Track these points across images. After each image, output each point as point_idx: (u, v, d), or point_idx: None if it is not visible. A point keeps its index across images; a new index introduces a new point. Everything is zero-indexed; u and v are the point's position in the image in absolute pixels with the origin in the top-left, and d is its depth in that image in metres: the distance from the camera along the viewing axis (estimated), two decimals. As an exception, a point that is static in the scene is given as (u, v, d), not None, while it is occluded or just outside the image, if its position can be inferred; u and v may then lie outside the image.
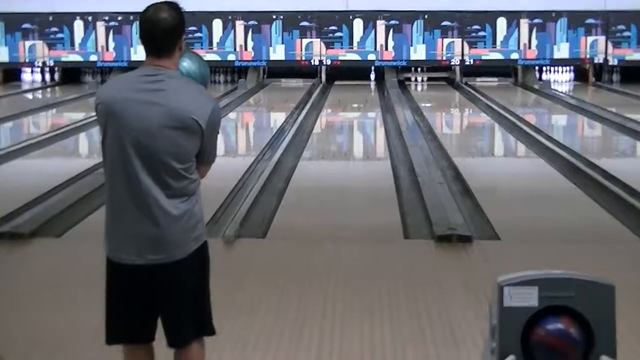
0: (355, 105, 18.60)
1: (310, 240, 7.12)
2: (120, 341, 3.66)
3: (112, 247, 3.55)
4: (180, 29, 3.47)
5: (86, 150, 14.01)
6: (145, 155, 3.35)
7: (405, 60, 22.01)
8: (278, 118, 16.31)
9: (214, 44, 22.10)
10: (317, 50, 22.00)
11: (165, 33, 3.44)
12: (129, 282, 3.53)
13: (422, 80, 22.75)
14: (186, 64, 3.75)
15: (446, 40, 21.81)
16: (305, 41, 22.01)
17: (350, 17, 21.93)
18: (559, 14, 21.72)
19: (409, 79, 22.52)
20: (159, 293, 3.52)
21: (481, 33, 21.77)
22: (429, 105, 18.33)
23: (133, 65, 22.25)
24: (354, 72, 22.36)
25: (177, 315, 3.55)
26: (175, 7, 3.47)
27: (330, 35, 21.97)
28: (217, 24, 22.05)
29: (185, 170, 3.40)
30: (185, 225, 3.43)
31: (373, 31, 21.89)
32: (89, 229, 7.66)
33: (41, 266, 6.46)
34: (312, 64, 22.33)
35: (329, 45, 21.99)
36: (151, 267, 3.44)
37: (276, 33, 22.05)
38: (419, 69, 22.71)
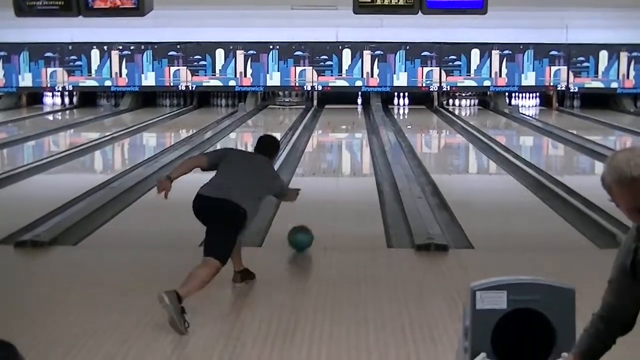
0: (344, 127, 18.61)
1: (302, 249, 7.09)
2: None
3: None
4: (277, 151, 6.04)
5: (101, 166, 14.00)
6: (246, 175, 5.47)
7: (389, 87, 22.09)
8: (274, 138, 16.29)
9: (217, 71, 22.14)
10: (309, 77, 22.07)
11: (269, 145, 5.89)
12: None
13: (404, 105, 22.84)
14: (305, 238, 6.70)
15: (426, 69, 21.93)
16: (299, 69, 22.08)
17: (340, 48, 22.02)
18: (526, 46, 21.87)
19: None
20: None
21: (457, 62, 21.89)
22: (410, 127, 18.35)
23: (144, 90, 22.30)
24: (343, 97, 22.45)
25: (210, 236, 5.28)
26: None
27: (322, 63, 22.05)
28: (220, 53, 22.10)
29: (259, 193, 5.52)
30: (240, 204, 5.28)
31: (360, 60, 21.97)
32: (102, 238, 7.65)
33: (59, 271, 6.43)
34: (305, 89, 22.40)
35: (320, 73, 22.06)
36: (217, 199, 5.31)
37: (273, 61, 22.11)
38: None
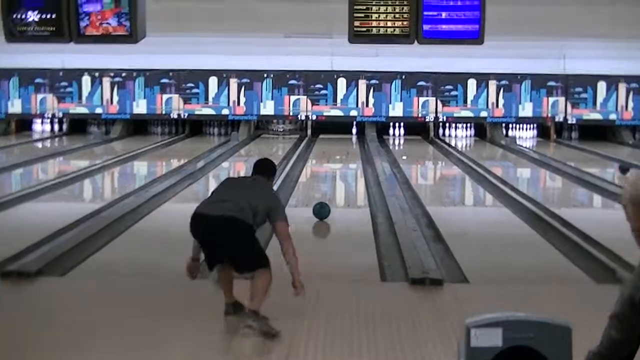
0: (338, 157, 18.63)
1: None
2: None
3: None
4: (274, 173, 6.20)
5: (90, 195, 13.98)
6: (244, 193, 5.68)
7: (385, 117, 22.15)
8: (267, 168, 16.27)
9: (210, 99, 22.19)
10: (303, 106, 22.14)
11: (266, 167, 6.05)
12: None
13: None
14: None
15: (422, 99, 22.00)
16: (293, 98, 22.16)
17: (335, 77, 22.12)
18: (524, 76, 21.99)
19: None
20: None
21: (453, 92, 21.99)
22: (405, 158, 18.39)
23: (135, 118, 22.32)
24: (337, 126, 22.49)
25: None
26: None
27: (316, 92, 22.13)
28: (213, 81, 22.18)
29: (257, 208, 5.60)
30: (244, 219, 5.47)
31: (355, 89, 22.07)
32: (91, 268, 7.62)
33: (45, 303, 6.40)
34: (299, 118, 22.44)
35: (314, 102, 22.14)
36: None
37: (266, 90, 22.19)
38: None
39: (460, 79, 21.98)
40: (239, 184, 6.04)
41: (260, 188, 5.83)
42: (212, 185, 14.00)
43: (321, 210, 10.20)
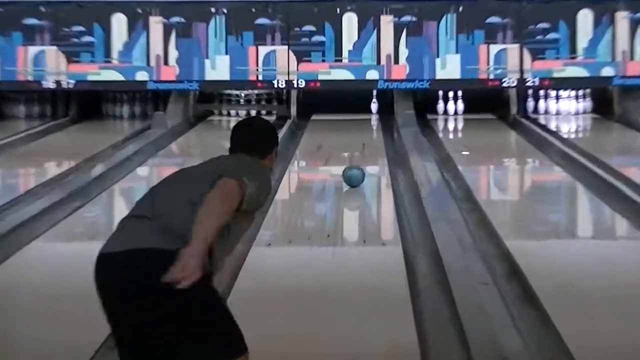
0: (346, 154, 18.62)
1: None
2: None
3: None
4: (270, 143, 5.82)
5: None
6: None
7: (428, 81, 22.09)
8: (218, 175, 16.26)
9: (114, 54, 22.17)
10: (283, 65, 22.12)
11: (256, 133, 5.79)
12: None
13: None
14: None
15: (494, 48, 21.98)
16: (264, 49, 22.14)
17: (338, 11, 22.09)
18: (679, 3, 22.00)
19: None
20: None
21: (551, 35, 21.96)
22: (466, 153, 18.39)
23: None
24: (344, 100, 22.49)
25: None
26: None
27: (305, 39, 22.12)
28: (120, 22, 22.19)
29: None
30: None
31: (374, 33, 22.07)
32: None
33: None
34: (276, 86, 22.40)
35: (302, 57, 22.11)
36: None
37: (216, 37, 22.20)
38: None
39: (562, 10, 21.98)
40: (189, 171, 5.43)
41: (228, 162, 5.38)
42: (120, 210, 13.97)
43: (352, 175, 14.17)
